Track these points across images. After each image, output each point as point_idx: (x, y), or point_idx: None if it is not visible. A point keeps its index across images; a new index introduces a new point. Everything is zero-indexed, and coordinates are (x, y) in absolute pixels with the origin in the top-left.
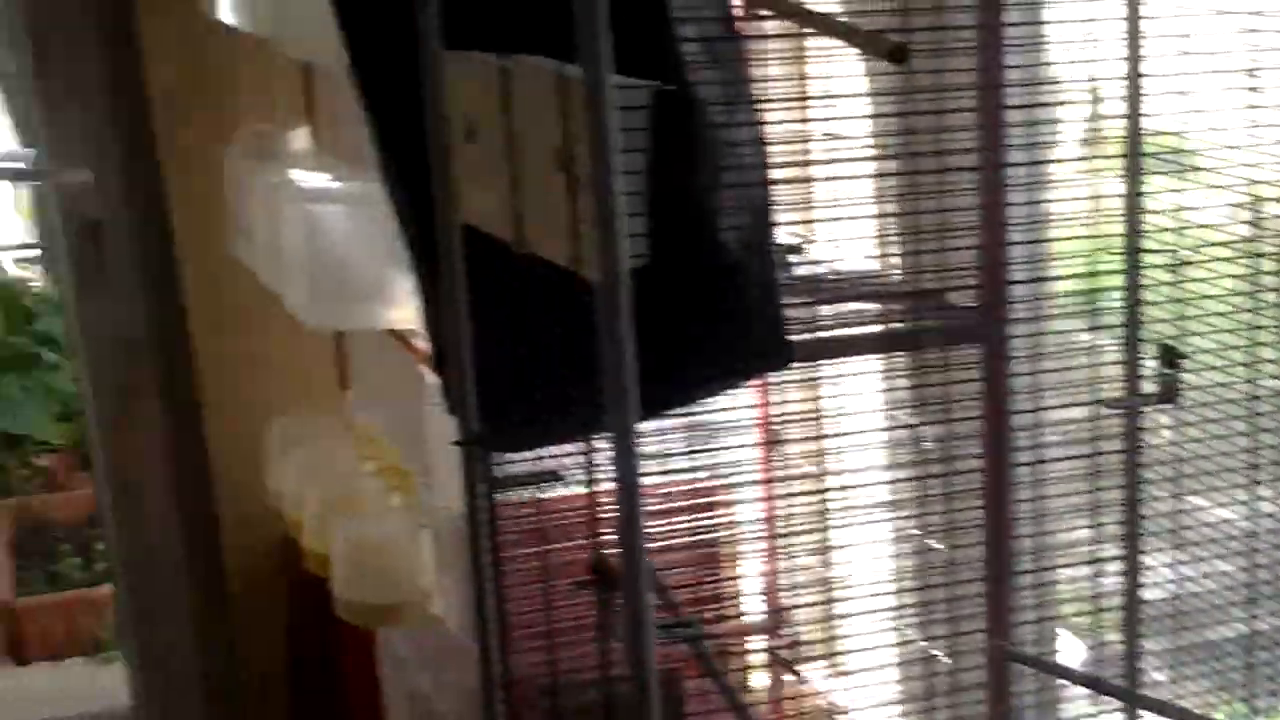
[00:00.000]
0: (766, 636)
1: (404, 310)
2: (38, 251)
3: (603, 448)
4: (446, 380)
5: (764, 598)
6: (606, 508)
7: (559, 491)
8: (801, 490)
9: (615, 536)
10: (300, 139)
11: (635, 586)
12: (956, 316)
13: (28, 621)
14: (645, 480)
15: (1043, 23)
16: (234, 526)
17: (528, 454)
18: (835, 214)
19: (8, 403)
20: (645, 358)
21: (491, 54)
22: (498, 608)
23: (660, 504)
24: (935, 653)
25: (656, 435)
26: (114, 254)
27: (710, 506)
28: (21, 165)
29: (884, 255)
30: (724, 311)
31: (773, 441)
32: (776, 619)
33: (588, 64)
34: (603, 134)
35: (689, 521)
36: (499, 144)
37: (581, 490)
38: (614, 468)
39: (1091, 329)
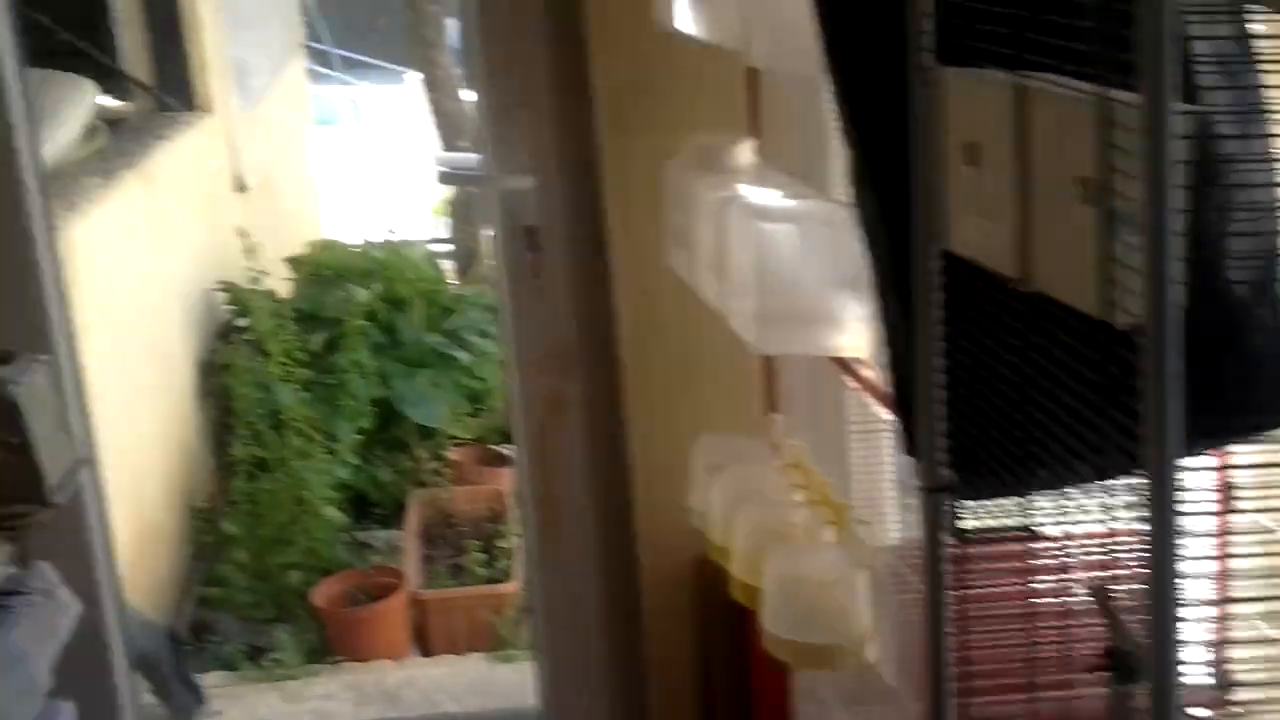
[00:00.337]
0: (1209, 708)
1: (852, 338)
2: (449, 249)
3: (1081, 499)
4: (906, 419)
5: (1210, 663)
6: (1090, 565)
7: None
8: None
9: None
10: (745, 152)
11: (1165, 664)
12: None
13: (434, 613)
14: (1095, 529)
15: None
16: (651, 542)
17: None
18: None
19: (421, 397)
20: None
21: (1002, 71)
22: (957, 663)
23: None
24: None
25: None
26: (549, 261)
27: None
28: (465, 171)
29: None
30: (1229, 360)
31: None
32: (1223, 687)
33: (1150, 89)
34: (1161, 166)
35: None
36: (1006, 169)
37: (1048, 542)
38: (1147, 523)
39: None
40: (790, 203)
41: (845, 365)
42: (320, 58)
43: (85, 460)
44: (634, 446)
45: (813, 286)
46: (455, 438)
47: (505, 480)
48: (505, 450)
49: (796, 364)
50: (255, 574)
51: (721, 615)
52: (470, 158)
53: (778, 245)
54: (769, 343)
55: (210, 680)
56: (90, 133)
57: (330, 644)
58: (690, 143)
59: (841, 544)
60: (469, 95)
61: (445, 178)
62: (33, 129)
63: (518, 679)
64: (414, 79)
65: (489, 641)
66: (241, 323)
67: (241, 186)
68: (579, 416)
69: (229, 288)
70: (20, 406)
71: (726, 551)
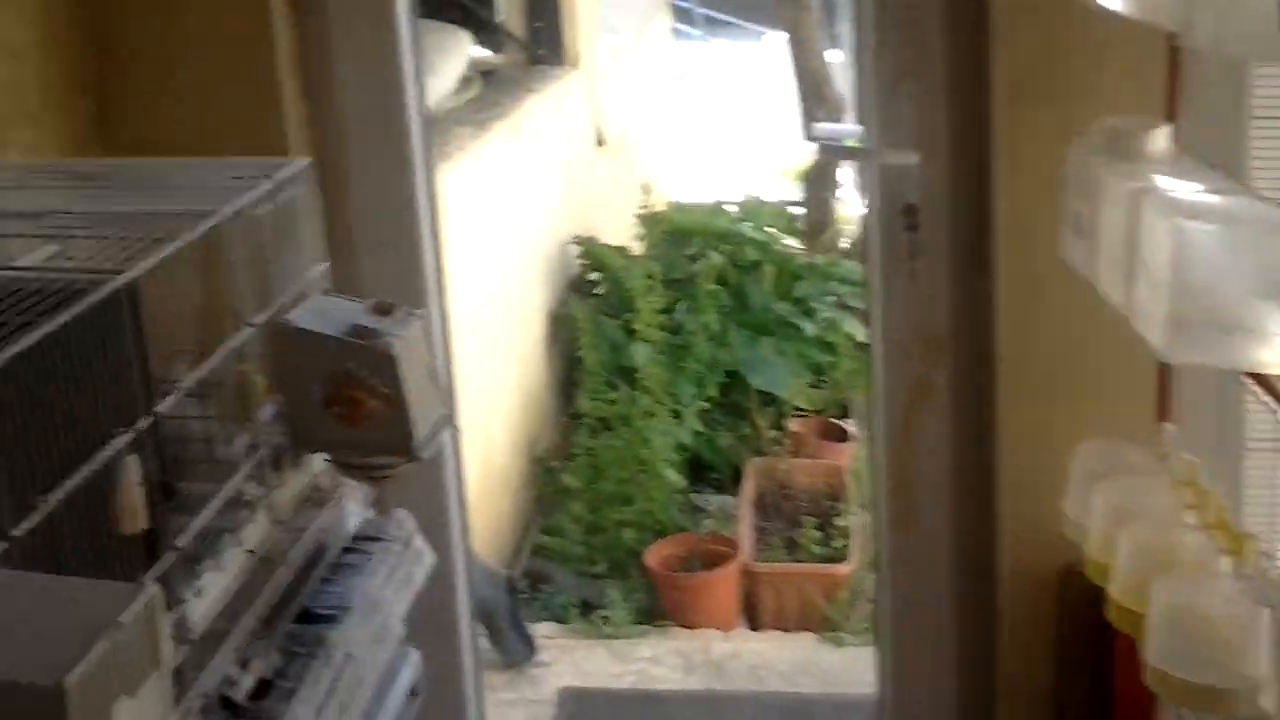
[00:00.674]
0: None
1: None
2: (801, 214)
3: None
4: None
5: None
6: None
7: None
8: None
9: None
10: (1161, 138)
11: None
12: None
13: (764, 586)
14: None
15: None
16: (1013, 544)
17: None
18: None
19: (765, 365)
20: None
21: None
22: None
23: None
24: None
25: None
26: (928, 242)
27: None
28: (834, 140)
29: None
30: None
31: None
32: None
33: None
34: None
35: None
36: None
37: None
38: None
39: None
40: (1213, 198)
41: (1261, 380)
42: (684, 16)
43: (450, 416)
44: (1003, 443)
45: (1237, 293)
46: (798, 408)
47: (845, 456)
48: (847, 425)
49: (1197, 372)
50: (591, 528)
51: (1086, 631)
52: (847, 128)
53: (1199, 245)
54: (1180, 350)
55: (541, 630)
56: (464, 83)
57: (660, 606)
58: (1098, 124)
59: (1240, 576)
60: (833, 56)
61: (824, 149)
62: (418, 80)
63: (847, 664)
64: (772, 39)
65: (817, 621)
66: (593, 277)
67: (602, 141)
68: (945, 406)
69: (583, 241)
70: (397, 360)
71: (1104, 569)
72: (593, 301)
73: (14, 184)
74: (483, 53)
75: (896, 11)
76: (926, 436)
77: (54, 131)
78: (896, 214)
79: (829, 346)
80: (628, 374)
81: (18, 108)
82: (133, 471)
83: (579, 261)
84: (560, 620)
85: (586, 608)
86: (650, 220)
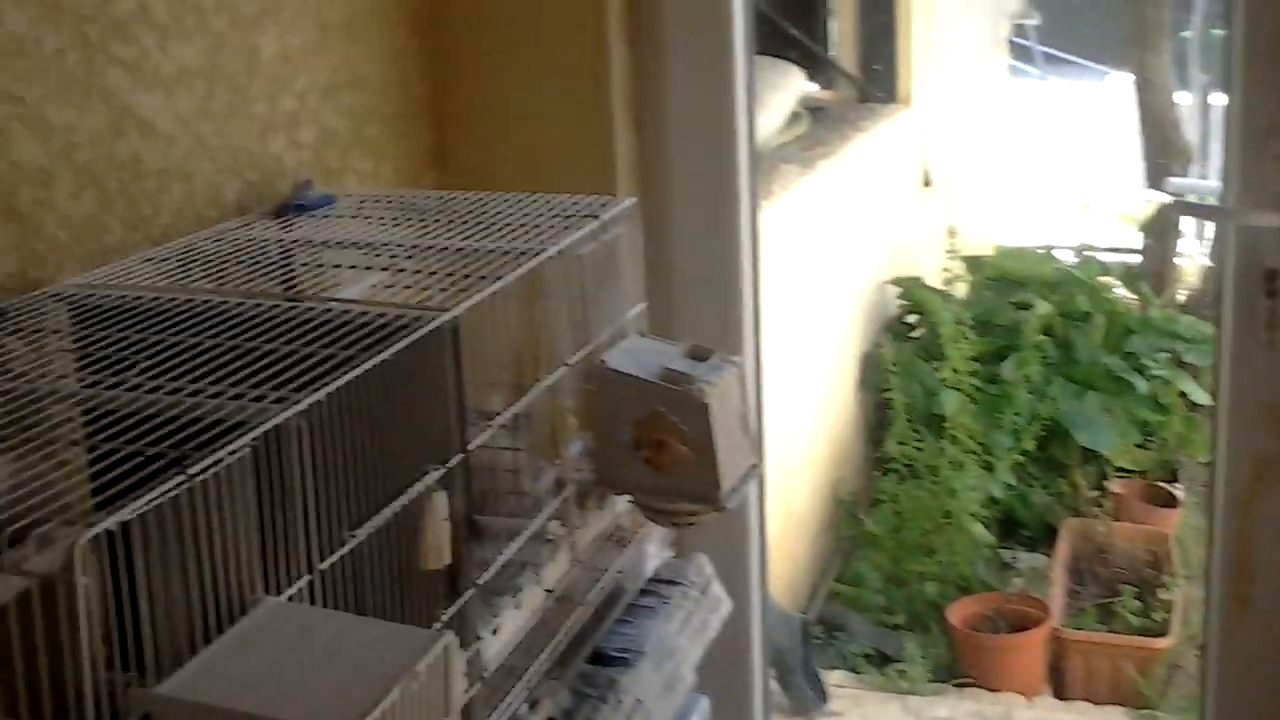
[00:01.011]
0: None
1: None
2: (1139, 266)
3: None
4: None
5: None
6: None
7: None
8: None
9: None
10: None
11: None
12: None
13: (1073, 654)
14: None
15: None
16: None
17: None
18: None
19: (1090, 420)
20: None
21: None
22: None
23: None
24: None
25: None
26: None
27: None
28: (1180, 194)
29: None
30: None
31: None
32: None
33: None
34: None
35: None
36: None
37: None
38: None
39: None
40: None
41: None
42: (1022, 54)
43: (758, 465)
44: None
45: None
46: (1121, 468)
47: (1170, 523)
48: (1174, 489)
49: None
50: (891, 578)
51: None
52: (1201, 182)
53: None
54: None
55: (832, 679)
56: (792, 120)
57: (960, 665)
58: None
59: None
60: (1182, 99)
61: (1176, 204)
62: (750, 116)
63: None
64: (1116, 79)
65: (1130, 695)
66: (910, 319)
67: (928, 182)
68: None
69: (903, 282)
70: (709, 407)
71: None
72: (908, 344)
73: (351, 213)
74: (812, 88)
75: (1268, 63)
76: (1271, 514)
77: (392, 161)
78: (1256, 278)
79: (1160, 405)
80: (937, 421)
81: (360, 136)
82: (441, 508)
83: (898, 302)
84: (854, 670)
85: (882, 659)
86: (972, 264)
